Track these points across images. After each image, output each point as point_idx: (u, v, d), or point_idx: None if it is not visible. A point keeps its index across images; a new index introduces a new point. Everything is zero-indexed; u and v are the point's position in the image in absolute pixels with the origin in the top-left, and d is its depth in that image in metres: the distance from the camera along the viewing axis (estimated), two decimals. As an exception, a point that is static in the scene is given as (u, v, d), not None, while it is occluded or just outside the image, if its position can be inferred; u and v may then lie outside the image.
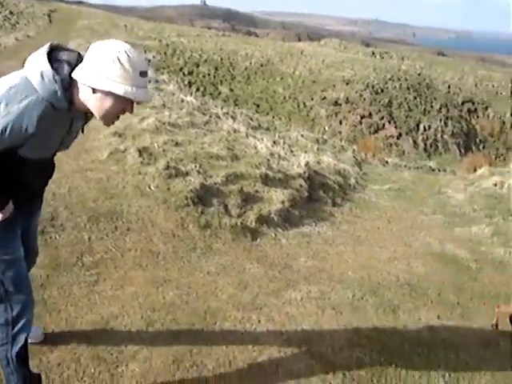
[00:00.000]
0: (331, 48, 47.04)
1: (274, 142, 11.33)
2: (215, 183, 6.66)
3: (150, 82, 14.32)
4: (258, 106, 28.24)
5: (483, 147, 31.07)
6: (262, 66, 33.49)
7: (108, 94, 2.22)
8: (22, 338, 2.73)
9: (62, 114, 2.30)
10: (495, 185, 12.26)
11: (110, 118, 2.35)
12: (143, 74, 2.24)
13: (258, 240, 5.97)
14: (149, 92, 2.35)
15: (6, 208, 2.45)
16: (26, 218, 2.77)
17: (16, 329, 2.70)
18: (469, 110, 34.26)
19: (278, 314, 4.20)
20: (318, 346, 3.81)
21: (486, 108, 35.44)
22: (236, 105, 24.64)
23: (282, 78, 31.86)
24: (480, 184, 12.62)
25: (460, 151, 29.07)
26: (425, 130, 29.15)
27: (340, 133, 26.59)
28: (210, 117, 11.71)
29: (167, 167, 6.60)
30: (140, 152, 7.08)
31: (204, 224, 5.78)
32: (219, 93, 28.66)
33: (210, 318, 3.96)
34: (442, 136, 29.44)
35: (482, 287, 5.88)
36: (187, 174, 6.68)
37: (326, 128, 26.89)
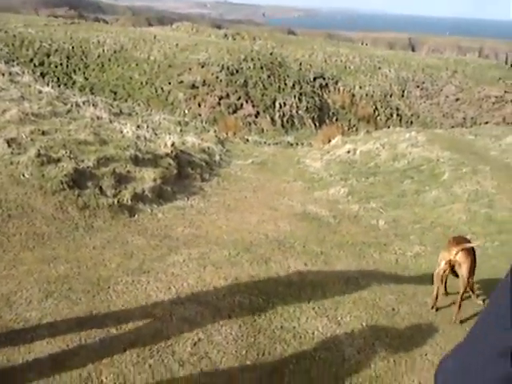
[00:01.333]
0: (183, 32, 47.19)
1: (138, 126, 11.57)
2: (88, 167, 6.91)
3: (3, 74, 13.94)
4: (115, 93, 27.99)
5: (336, 119, 33.03)
6: (115, 52, 33.04)
7: None
8: None
9: None
10: (348, 152, 13.39)
11: None
12: None
13: (136, 216, 6.34)
14: None
15: None
16: None
17: None
18: (320, 86, 36.15)
19: (165, 275, 4.63)
20: (204, 296, 4.31)
21: (337, 82, 37.57)
22: (92, 93, 24.27)
23: (137, 64, 31.69)
24: (334, 152, 13.71)
25: (315, 125, 30.70)
26: (281, 107, 30.43)
27: (200, 115, 27.08)
28: (72, 106, 11.69)
29: (38, 155, 6.73)
30: (8, 143, 7.12)
31: (82, 205, 6.05)
32: (74, 82, 28.05)
33: (103, 283, 4.31)
34: (297, 112, 30.90)
35: (341, 238, 6.68)
36: (59, 160, 6.85)
37: (186, 111, 27.26)
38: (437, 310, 4.87)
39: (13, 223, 5.33)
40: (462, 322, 4.68)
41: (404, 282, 5.55)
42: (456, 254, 4.63)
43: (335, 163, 12.53)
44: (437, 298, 4.87)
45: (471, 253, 4.76)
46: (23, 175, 6.34)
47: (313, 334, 4.03)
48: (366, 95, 37.70)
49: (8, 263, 4.53)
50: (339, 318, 4.35)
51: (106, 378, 3.18)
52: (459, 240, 4.90)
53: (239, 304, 4.25)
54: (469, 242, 4.94)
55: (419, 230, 7.64)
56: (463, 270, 4.65)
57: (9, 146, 7.08)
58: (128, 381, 3.19)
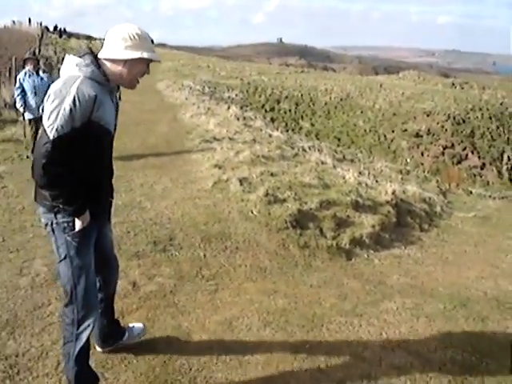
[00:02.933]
0: (410, 80, 47.10)
1: (360, 173, 11.82)
2: (310, 209, 7.27)
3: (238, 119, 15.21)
4: (339, 139, 28.75)
5: None
6: (341, 100, 34.08)
7: (136, 60, 2.92)
8: (84, 338, 3.14)
9: (104, 89, 2.92)
10: None
11: (135, 82, 3.04)
12: (152, 41, 2.98)
13: (353, 260, 6.51)
14: (157, 54, 3.02)
15: (84, 215, 2.93)
16: (99, 228, 3.20)
17: (80, 329, 3.11)
18: (554, 139, 33.44)
19: (377, 320, 4.69)
20: (414, 346, 4.28)
21: None
22: (318, 139, 25.27)
23: (361, 112, 32.30)
24: None
25: (547, 181, 28.40)
26: (509, 159, 28.67)
27: (422, 164, 26.61)
28: (298, 150, 12.39)
29: (266, 194, 7.28)
30: (241, 181, 7.82)
31: (303, 244, 6.39)
32: (300, 128, 29.42)
33: (318, 320, 4.52)
34: (527, 165, 28.90)
35: None
36: (284, 200, 7.33)
37: (408, 160, 26.99)
38: None
39: (239, 255, 5.84)
40: None
41: None
42: None
43: None
44: None
45: None
46: (252, 212, 6.90)
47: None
48: None
49: (233, 291, 4.98)
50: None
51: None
52: None
53: (451, 359, 4.14)
54: None
55: None
56: None
57: (241, 184, 7.76)
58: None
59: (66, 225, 2.93)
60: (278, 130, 16.78)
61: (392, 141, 29.14)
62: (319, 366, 3.79)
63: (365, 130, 30.29)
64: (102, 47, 2.99)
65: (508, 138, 30.50)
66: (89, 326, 3.13)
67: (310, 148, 13.84)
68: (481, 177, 26.84)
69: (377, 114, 32.05)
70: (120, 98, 3.26)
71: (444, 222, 9.96)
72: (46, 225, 3.01)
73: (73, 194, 2.85)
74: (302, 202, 7.38)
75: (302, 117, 31.41)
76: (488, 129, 30.75)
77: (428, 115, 31.12)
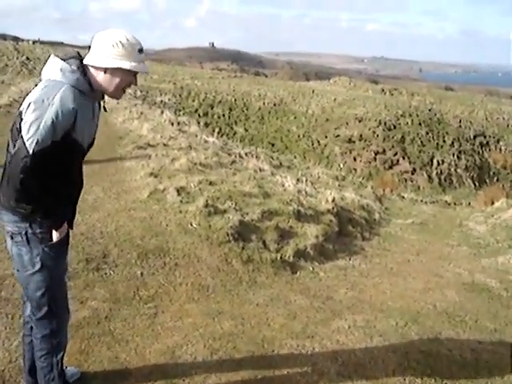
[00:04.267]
0: (341, 86, 47.75)
1: (298, 180, 11.62)
2: (252, 220, 6.94)
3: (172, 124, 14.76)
4: (272, 145, 28.67)
5: (497, 180, 31.21)
6: (275, 105, 34.06)
7: (117, 70, 2.72)
8: (61, 347, 3.09)
9: (87, 98, 2.75)
10: (515, 217, 12.43)
11: (119, 92, 2.85)
12: (140, 51, 2.77)
13: (298, 273, 6.21)
14: (146, 65, 2.87)
15: (62, 227, 2.86)
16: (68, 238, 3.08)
17: (58, 339, 3.03)
18: (481, 144, 34.51)
19: (330, 342, 4.41)
20: (372, 371, 4.01)
21: (498, 141, 35.69)
22: (252, 144, 25.05)
23: (295, 117, 32.37)
24: (499, 216, 12.80)
25: (474, 185, 29.22)
26: (438, 164, 29.39)
27: (355, 170, 26.88)
28: (235, 157, 12.06)
29: (206, 205, 6.89)
30: (178, 191, 7.39)
31: (246, 259, 6.04)
32: (235, 133, 29.17)
33: (268, 345, 4.18)
34: (455, 170, 29.65)
35: (516, 314, 6.06)
36: (225, 211, 6.96)
37: (342, 165, 27.20)
38: None
39: (179, 272, 5.42)
40: None
41: None
42: None
43: (501, 228, 11.66)
44: None
45: None
46: (191, 224, 6.50)
47: (497, 428, 3.58)
48: (532, 156, 35.42)
49: (174, 314, 4.56)
50: (525, 413, 3.86)
51: None
52: None
53: (410, 383, 3.90)
54: None
55: None
56: None
57: (178, 194, 7.35)
58: None
59: (43, 235, 2.80)
60: (213, 135, 16.40)
61: (325, 146, 29.33)
62: (273, 401, 3.46)
63: (298, 136, 30.36)
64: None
65: (437, 144, 31.27)
66: (65, 334, 3.13)
67: (246, 154, 13.54)
68: (412, 182, 27.38)
69: (310, 119, 32.21)
70: (105, 109, 3.02)
71: (384, 229, 9.86)
72: (17, 234, 2.80)
73: (51, 207, 2.76)
74: (243, 213, 7.04)
75: (235, 122, 31.18)
76: (418, 134, 31.44)
77: (360, 121, 31.53)
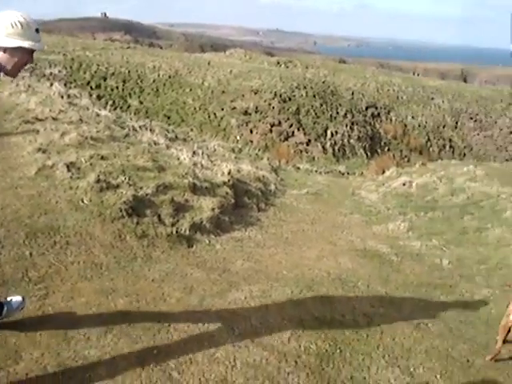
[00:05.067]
0: (237, 58, 47.65)
1: (194, 153, 11.51)
2: (146, 194, 6.80)
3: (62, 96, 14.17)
4: (168, 117, 28.26)
5: (388, 150, 32.56)
6: (170, 77, 33.48)
7: (17, 49, 2.84)
8: None
9: None
10: (404, 184, 13.05)
11: (16, 71, 2.97)
12: (37, 30, 2.92)
13: (194, 247, 6.17)
14: (42, 43, 3.01)
15: None
16: None
17: None
18: (372, 115, 35.80)
19: (227, 313, 4.42)
20: (268, 340, 4.08)
21: (389, 112, 37.16)
22: (147, 117, 24.56)
23: (191, 90, 32.01)
24: (390, 184, 13.39)
25: (367, 154, 30.30)
26: (332, 135, 30.17)
27: (252, 142, 27.05)
28: (129, 130, 11.75)
29: (98, 181, 6.66)
30: (68, 167, 7.09)
31: (141, 234, 5.91)
32: (129, 106, 28.48)
33: (164, 320, 4.12)
34: (348, 141, 30.58)
35: (405, 278, 6.38)
36: (118, 186, 6.76)
37: (238, 137, 27.28)
38: (495, 360, 4.52)
39: (71, 251, 5.22)
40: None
41: (474, 328, 5.22)
42: None
43: (391, 196, 12.21)
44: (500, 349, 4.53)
45: None
46: (82, 201, 6.26)
47: (386, 386, 3.75)
48: (419, 126, 37.14)
49: (66, 294, 4.39)
50: (412, 370, 4.06)
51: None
52: None
53: (305, 349, 4.00)
54: None
55: (485, 271, 7.26)
56: None
57: (68, 170, 7.05)
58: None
59: None
60: (105, 108, 15.89)
61: (222, 118, 29.29)
62: (170, 375, 3.43)
63: (194, 108, 30.11)
64: None
65: (331, 115, 32.08)
66: None
67: (141, 128, 13.21)
68: (307, 152, 27.97)
69: (206, 91, 31.99)
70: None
71: (279, 200, 10.01)
72: None
73: None
74: (137, 188, 6.87)
75: (130, 94, 30.40)
76: (312, 106, 32.08)
77: (255, 93, 31.69)
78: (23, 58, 2.92)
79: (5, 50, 2.84)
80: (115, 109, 22.94)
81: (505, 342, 4.53)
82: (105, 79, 31.26)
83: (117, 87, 30.71)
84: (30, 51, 2.92)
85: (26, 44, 2.83)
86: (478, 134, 38.59)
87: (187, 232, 6.40)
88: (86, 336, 3.76)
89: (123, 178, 7.02)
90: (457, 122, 38.98)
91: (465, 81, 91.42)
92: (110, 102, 26.56)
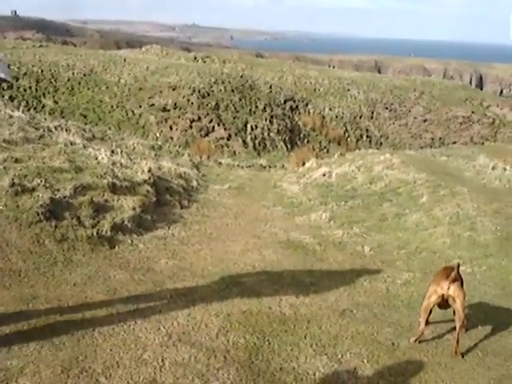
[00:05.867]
0: (153, 54, 46.95)
1: (113, 152, 11.28)
2: (64, 196, 6.62)
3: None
4: (85, 116, 27.55)
5: (307, 141, 33.01)
6: (85, 75, 32.59)
7: None
8: None
9: None
10: (324, 175, 13.26)
11: None
12: (8, 66, 2.96)
13: (116, 248, 6.07)
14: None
15: None
16: None
17: None
18: (291, 108, 36.19)
19: (152, 313, 4.38)
20: (195, 337, 4.06)
21: (307, 104, 37.69)
22: (63, 117, 23.83)
23: (107, 87, 31.28)
24: (310, 176, 13.58)
25: (287, 147, 30.60)
26: (252, 129, 30.28)
27: (172, 138, 26.75)
28: (44, 131, 11.39)
29: (12, 184, 6.41)
30: (-20, 172, 6.80)
31: (60, 238, 5.76)
32: (43, 106, 27.55)
33: (88, 325, 4.03)
34: (268, 134, 30.77)
35: (329, 266, 6.51)
36: (34, 189, 6.55)
37: (158, 135, 26.92)
38: (419, 342, 4.71)
39: (-14, 259, 5.02)
40: (462, 354, 4.52)
41: (398, 312, 5.39)
42: (449, 289, 4.49)
43: (312, 187, 12.39)
44: (423, 331, 4.70)
45: (461, 284, 4.60)
46: (-4, 206, 6.02)
47: (314, 374, 3.82)
48: (336, 117, 37.88)
49: (-17, 304, 4.23)
50: (339, 356, 4.15)
51: None
52: (448, 272, 4.64)
53: (234, 344, 4.02)
54: (456, 270, 4.65)
55: (405, 256, 7.50)
56: (458, 305, 4.51)
57: (-20, 175, 6.76)
58: None
59: None
60: (18, 109, 15.31)
61: (140, 116, 28.82)
62: (97, 380, 3.36)
63: (112, 106, 29.46)
64: None
65: (250, 110, 32.19)
66: None
67: (56, 128, 12.82)
68: (228, 147, 27.96)
69: (123, 89, 31.36)
70: None
71: (202, 196, 9.98)
72: None
73: None
74: (54, 190, 6.68)
75: (44, 94, 29.38)
76: (231, 101, 32.07)
77: (174, 89, 31.36)
78: None
79: None
80: (29, 110, 22.13)
81: (427, 323, 4.70)
82: (17, 79, 30.06)
83: (30, 87, 29.61)
84: None
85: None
86: (394, 123, 39.79)
87: (108, 233, 6.28)
88: (6, 346, 3.63)
89: (39, 181, 6.79)
90: (372, 112, 40.02)
91: (379, 72, 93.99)
92: (24, 103, 25.59)
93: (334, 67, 78.34)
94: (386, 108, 40.70)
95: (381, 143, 36.71)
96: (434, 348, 4.62)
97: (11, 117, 12.21)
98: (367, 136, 37.04)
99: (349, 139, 35.81)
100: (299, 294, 5.34)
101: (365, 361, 4.16)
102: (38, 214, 5.97)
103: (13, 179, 6.53)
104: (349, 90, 42.01)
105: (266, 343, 4.10)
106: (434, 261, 7.18)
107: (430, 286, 4.69)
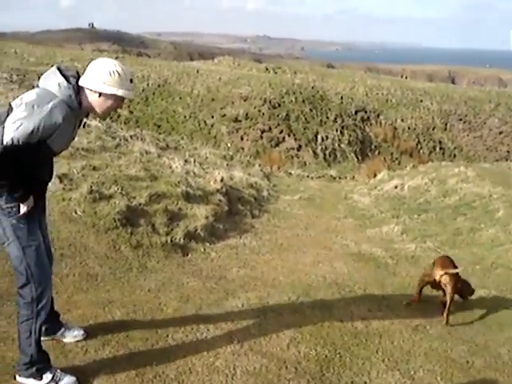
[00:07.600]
0: (225, 66, 47.67)
1: (186, 161, 11.49)
2: (140, 204, 6.77)
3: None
4: (158, 126, 28.20)
5: (378, 153, 32.57)
6: (159, 86, 33.44)
7: (111, 95, 3.09)
8: (43, 314, 3.28)
9: (73, 114, 3.07)
10: (396, 187, 13.06)
11: (108, 113, 3.32)
12: (131, 80, 3.17)
13: (189, 255, 6.15)
14: (133, 92, 3.25)
15: (29, 200, 3.10)
16: (40, 213, 3.38)
17: (40, 305, 3.24)
18: (362, 119, 35.82)
19: (225, 322, 4.40)
20: (267, 347, 4.05)
21: (378, 115, 37.21)
22: (137, 126, 24.47)
23: (180, 98, 31.97)
24: (382, 187, 13.39)
25: (357, 158, 30.31)
26: (323, 140, 30.18)
27: (243, 148, 27.03)
28: (120, 140, 11.72)
29: (90, 191, 6.63)
30: (60, 178, 7.05)
31: (135, 244, 5.89)
32: (119, 115, 28.39)
33: (162, 331, 4.09)
34: (339, 145, 30.58)
35: (401, 280, 6.36)
36: (111, 196, 6.74)
37: (229, 145, 27.26)
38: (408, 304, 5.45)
39: (66, 263, 5.18)
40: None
41: (473, 330, 5.21)
42: (441, 277, 5.15)
43: (384, 199, 12.22)
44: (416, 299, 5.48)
45: (455, 277, 5.23)
46: (75, 212, 6.23)
47: (387, 390, 3.73)
48: (409, 128, 37.21)
49: (62, 307, 4.34)
50: (412, 373, 4.05)
51: None
52: (444, 263, 5.29)
53: (305, 356, 3.98)
54: (454, 265, 5.33)
55: (480, 272, 7.26)
56: (448, 290, 5.16)
57: (60, 181, 7.00)
58: None
59: (10, 210, 3.08)
60: (95, 119, 15.84)
61: (212, 126, 29.26)
62: (170, 386, 3.39)
63: (185, 116, 30.05)
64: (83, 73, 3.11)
65: (321, 120, 32.09)
66: (47, 301, 3.30)
67: (131, 137, 13.18)
68: (298, 158, 27.95)
69: (195, 99, 31.96)
70: (84, 125, 3.14)
71: (272, 206, 10.01)
72: None
73: (16, 184, 3.00)
74: (130, 197, 6.85)
75: (119, 104, 30.34)
76: (302, 112, 32.07)
77: (245, 100, 31.68)
78: (115, 104, 3.16)
79: (100, 94, 3.07)
80: (105, 119, 22.87)
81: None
82: (94, 89, 31.21)
83: (106, 97, 30.66)
84: (122, 98, 3.15)
85: (120, 92, 3.08)
86: (468, 135, 38.74)
87: (182, 241, 6.38)
88: (83, 349, 3.73)
89: (116, 188, 6.98)
90: (446, 124, 39.09)
91: (453, 82, 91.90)
92: (100, 113, 26.45)
93: (406, 77, 77.00)
94: (460, 119, 39.65)
95: (454, 155, 35.75)
96: (510, 368, 4.44)
97: (89, 126, 12.63)
98: (440, 148, 36.15)
99: (421, 151, 35.07)
100: (371, 307, 5.25)
101: (438, 378, 4.04)
102: (115, 221, 6.14)
103: (91, 186, 6.74)
104: (422, 100, 41.17)
105: (338, 356, 4.04)
106: (511, 277, 6.91)
107: (424, 270, 5.63)
